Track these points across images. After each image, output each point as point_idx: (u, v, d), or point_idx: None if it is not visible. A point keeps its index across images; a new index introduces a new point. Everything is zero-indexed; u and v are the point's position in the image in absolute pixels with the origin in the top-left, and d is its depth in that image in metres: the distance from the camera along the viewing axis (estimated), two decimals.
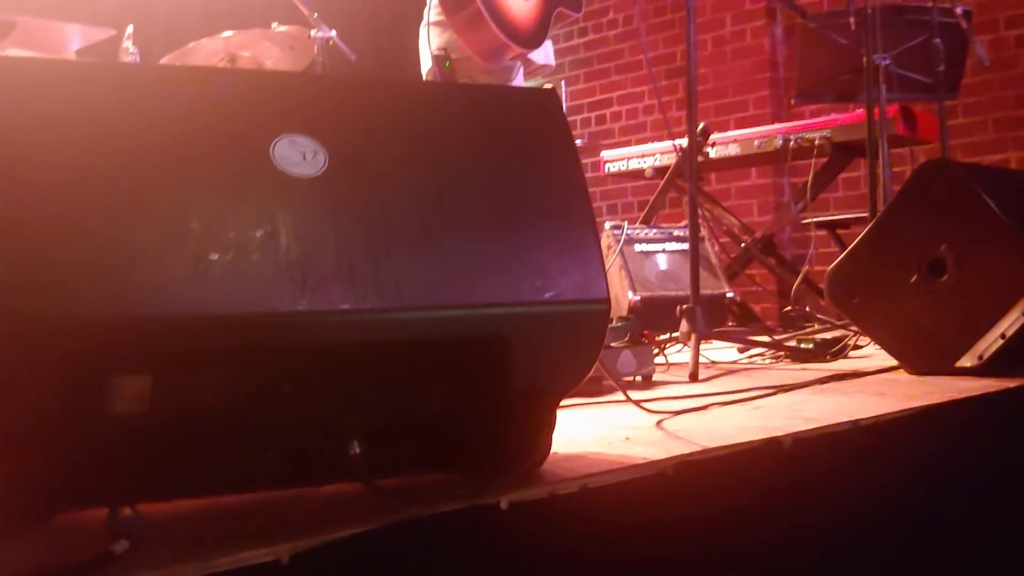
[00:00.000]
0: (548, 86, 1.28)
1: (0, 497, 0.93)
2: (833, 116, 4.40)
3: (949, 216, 2.22)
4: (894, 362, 2.33)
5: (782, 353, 2.81)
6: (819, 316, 3.63)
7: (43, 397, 0.90)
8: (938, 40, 3.55)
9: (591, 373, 1.24)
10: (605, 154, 5.18)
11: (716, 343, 3.04)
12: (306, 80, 1.33)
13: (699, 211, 2.82)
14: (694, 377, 2.31)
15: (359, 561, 0.95)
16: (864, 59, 3.41)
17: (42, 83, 0.95)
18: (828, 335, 3.02)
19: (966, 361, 2.15)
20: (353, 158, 1.06)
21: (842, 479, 1.53)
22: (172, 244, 0.93)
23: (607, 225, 4.01)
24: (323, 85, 1.20)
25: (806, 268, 4.07)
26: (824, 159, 4.44)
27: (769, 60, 6.03)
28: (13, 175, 0.90)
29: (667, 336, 2.96)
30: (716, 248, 4.24)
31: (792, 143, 4.42)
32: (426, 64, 3.16)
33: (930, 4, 3.61)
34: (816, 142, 4.34)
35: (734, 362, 2.78)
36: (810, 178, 4.42)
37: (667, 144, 4.76)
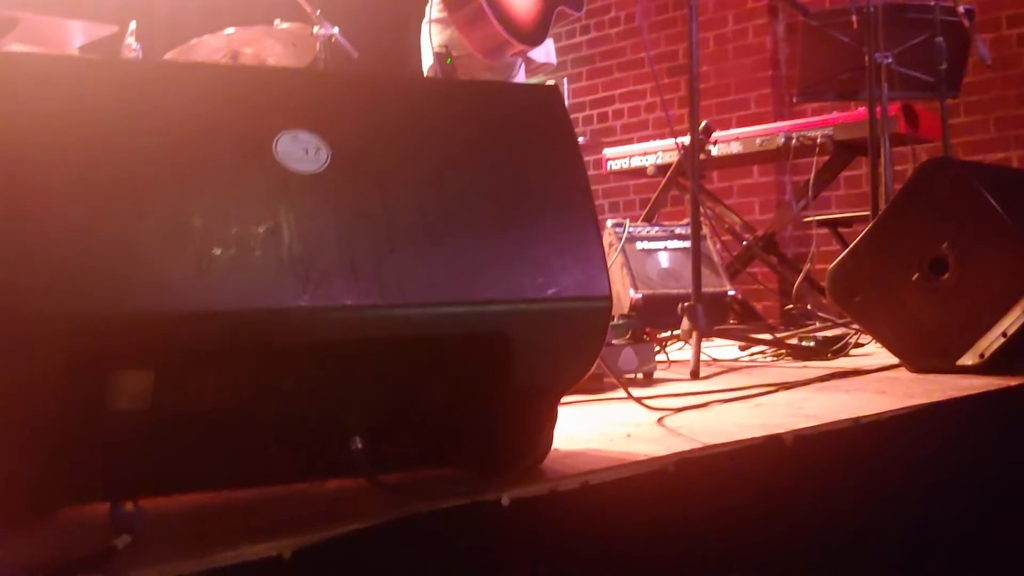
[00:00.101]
0: (550, 83, 1.28)
1: (3, 492, 0.93)
2: (835, 114, 4.40)
3: (951, 214, 2.22)
4: (895, 360, 2.33)
5: (783, 351, 2.81)
6: (820, 314, 3.63)
7: (46, 393, 0.91)
8: (940, 38, 3.54)
9: (593, 370, 1.24)
10: (607, 152, 5.18)
11: (717, 341, 3.04)
12: (308, 76, 1.33)
13: (701, 209, 2.82)
14: (695, 375, 2.31)
15: (361, 557, 0.96)
16: (866, 57, 3.41)
17: (44, 79, 0.95)
18: (829, 333, 3.02)
19: (967, 359, 2.15)
20: (355, 154, 1.06)
21: (843, 477, 1.53)
22: (174, 240, 0.93)
23: (609, 223, 4.02)
24: (325, 81, 1.20)
25: (807, 266, 4.07)
26: (826, 157, 4.43)
27: (771, 58, 6.03)
28: (15, 171, 0.90)
29: (668, 334, 2.96)
30: (718, 246, 4.24)
31: (794, 141, 4.42)
32: (427, 61, 3.16)
33: (932, 2, 3.60)
34: (818, 140, 4.34)
35: (735, 360, 2.78)
36: (812, 176, 4.43)
37: (669, 142, 4.76)
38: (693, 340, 2.45)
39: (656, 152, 4.91)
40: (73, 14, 3.26)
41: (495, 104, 1.22)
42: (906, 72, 3.58)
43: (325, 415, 1.08)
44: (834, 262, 2.40)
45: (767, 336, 3.05)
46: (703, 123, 4.02)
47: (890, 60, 3.44)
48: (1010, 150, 5.11)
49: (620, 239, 3.87)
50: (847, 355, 2.73)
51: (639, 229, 4.04)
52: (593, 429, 1.55)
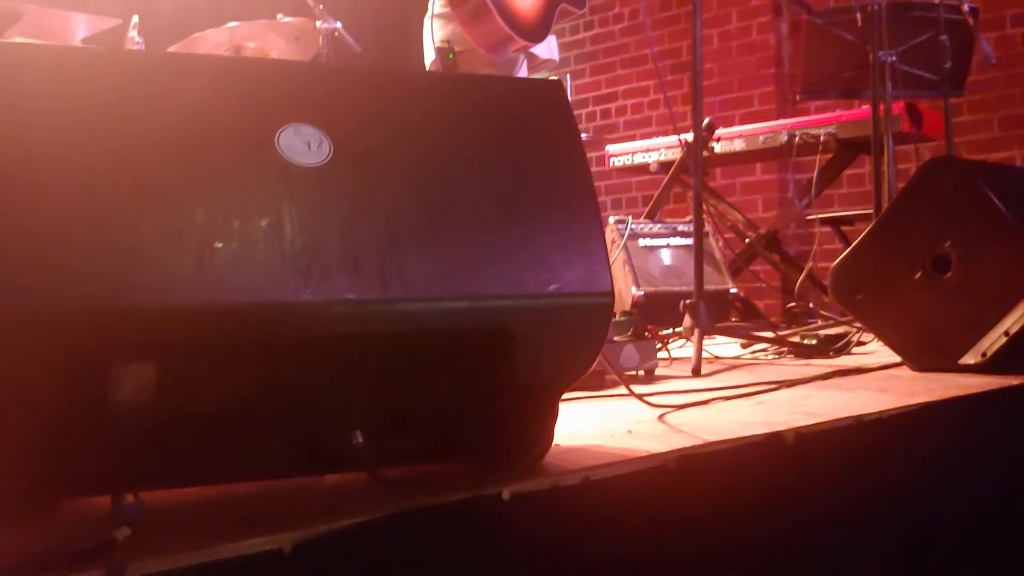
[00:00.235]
0: (553, 79, 1.28)
1: (4, 484, 0.93)
2: (838, 112, 4.39)
3: (954, 213, 2.22)
4: (897, 359, 2.33)
5: (785, 349, 2.81)
6: (822, 312, 3.63)
7: (48, 387, 0.90)
8: (944, 37, 3.53)
9: (594, 367, 1.24)
10: (610, 148, 5.17)
11: (719, 338, 3.03)
12: (311, 70, 1.33)
13: (703, 206, 2.82)
14: (697, 372, 2.31)
15: (362, 551, 0.96)
16: (870, 55, 3.40)
17: (47, 71, 0.95)
18: (831, 331, 3.02)
19: (969, 358, 2.15)
20: (358, 148, 1.06)
21: (844, 475, 1.53)
22: (176, 233, 0.93)
23: (611, 220, 4.01)
24: (328, 75, 1.19)
25: (810, 264, 4.07)
26: (829, 155, 4.43)
27: (775, 56, 6.02)
28: (15, 163, 0.90)
29: (670, 331, 2.96)
30: (720, 244, 4.24)
31: (797, 139, 4.41)
32: (430, 56, 3.15)
33: (936, 1, 3.60)
34: (821, 138, 4.33)
35: (737, 357, 2.78)
36: (815, 174, 4.42)
37: (672, 139, 4.76)
38: (695, 337, 2.45)
39: (659, 149, 4.91)
40: (76, 7, 3.26)
41: (498, 99, 1.22)
42: (910, 70, 3.57)
43: (326, 409, 1.08)
44: (836, 260, 2.40)
45: (769, 334, 3.05)
46: (706, 120, 4.02)
47: (894, 58, 3.43)
48: (1014, 149, 5.10)
49: (622, 236, 3.86)
50: (849, 353, 2.73)
51: (641, 226, 4.03)
52: (594, 425, 1.55)
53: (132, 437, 0.98)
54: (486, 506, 1.06)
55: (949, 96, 3.65)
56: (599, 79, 6.82)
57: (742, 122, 5.27)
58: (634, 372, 2.20)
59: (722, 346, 2.99)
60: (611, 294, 1.15)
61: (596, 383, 1.99)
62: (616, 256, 3.81)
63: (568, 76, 6.19)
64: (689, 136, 2.86)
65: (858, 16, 3.46)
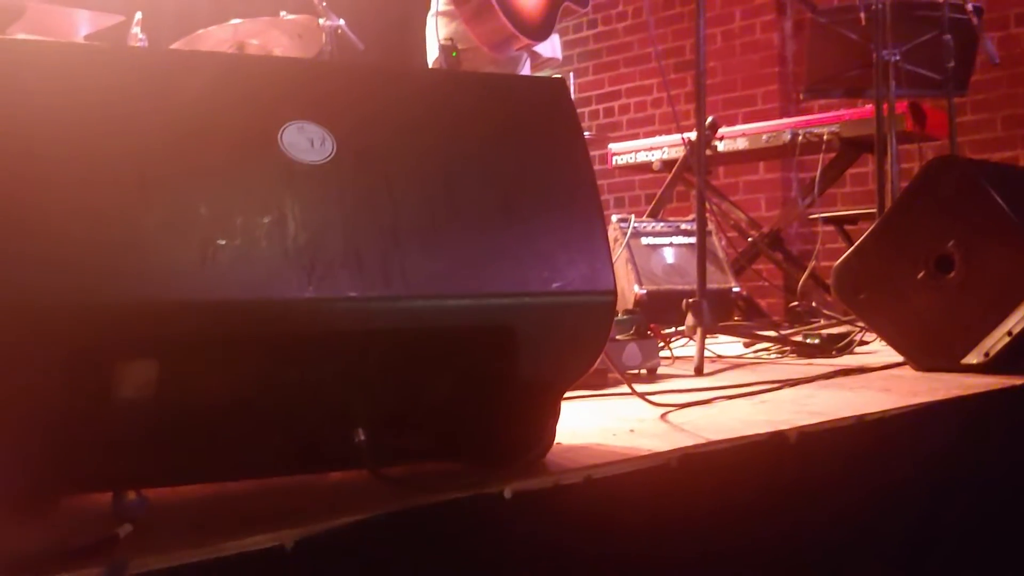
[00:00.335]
0: (557, 77, 1.28)
1: (6, 480, 0.93)
2: (842, 111, 4.39)
3: (957, 213, 2.21)
4: (900, 358, 2.33)
5: (788, 348, 2.80)
6: (825, 311, 3.63)
7: (50, 383, 0.90)
8: (948, 36, 3.53)
9: (596, 365, 1.24)
10: (613, 147, 5.17)
11: (722, 337, 3.03)
12: (315, 67, 1.33)
13: (706, 205, 2.82)
14: (699, 371, 2.30)
15: (363, 548, 0.96)
16: (873, 54, 3.39)
17: (50, 66, 0.95)
18: (834, 330, 3.01)
19: (972, 358, 2.15)
20: (361, 146, 1.06)
21: (846, 474, 1.53)
22: (179, 230, 0.93)
23: (614, 218, 4.01)
24: (332, 73, 1.19)
25: (813, 263, 4.06)
26: (832, 154, 4.42)
27: (778, 54, 6.01)
28: (18, 160, 0.90)
29: (672, 330, 2.96)
30: (723, 242, 4.24)
31: (800, 138, 4.41)
32: (433, 54, 3.15)
33: (940, 0, 3.59)
34: (824, 137, 4.33)
35: (739, 356, 2.78)
36: (818, 173, 4.41)
37: (675, 137, 4.75)
38: (697, 336, 2.45)
39: (662, 147, 4.90)
40: (79, 3, 3.26)
41: (501, 97, 1.22)
42: (913, 70, 3.57)
43: (328, 407, 1.08)
44: (839, 259, 2.40)
45: (772, 333, 3.05)
46: (709, 119, 4.02)
47: (898, 57, 3.43)
48: (1017, 149, 5.10)
49: (625, 234, 3.86)
50: (852, 353, 2.73)
51: (644, 224, 4.03)
52: (596, 424, 1.55)
53: (134, 434, 0.98)
54: (488, 505, 1.06)
55: (953, 95, 3.65)
56: (602, 77, 6.82)
57: (745, 121, 5.27)
58: (636, 371, 2.20)
59: (724, 345, 2.99)
60: (614, 292, 1.15)
61: (598, 382, 1.98)
62: (619, 254, 3.81)
63: (571, 74, 6.18)
64: (692, 135, 2.86)
65: (862, 15, 3.45)
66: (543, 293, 1.10)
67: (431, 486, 1.05)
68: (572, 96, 1.36)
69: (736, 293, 4.04)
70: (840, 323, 3.21)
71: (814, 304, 3.76)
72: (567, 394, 1.24)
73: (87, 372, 0.92)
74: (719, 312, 3.43)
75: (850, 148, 4.38)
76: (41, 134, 0.91)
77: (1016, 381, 1.97)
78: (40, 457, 0.94)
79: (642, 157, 4.99)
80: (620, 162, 5.10)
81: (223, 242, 0.94)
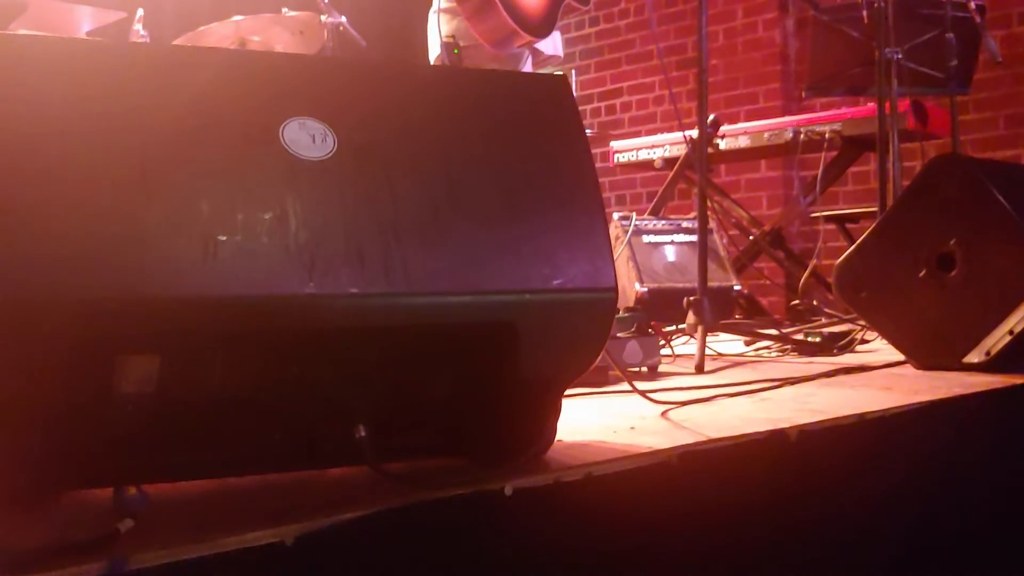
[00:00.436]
0: (558, 74, 1.27)
1: (7, 475, 0.93)
2: (844, 110, 4.38)
3: (959, 211, 2.21)
4: (901, 357, 2.33)
5: (789, 346, 2.80)
6: (826, 310, 3.62)
7: (51, 377, 0.91)
8: (951, 34, 3.52)
9: (597, 363, 1.24)
10: (614, 144, 5.17)
11: (723, 336, 3.03)
12: (316, 64, 1.32)
13: (708, 203, 2.82)
14: (700, 369, 2.30)
15: (363, 544, 0.96)
16: (876, 52, 3.39)
17: (52, 62, 0.95)
18: (835, 329, 3.01)
19: (973, 357, 2.15)
20: (363, 142, 1.06)
21: (847, 472, 1.53)
22: (181, 225, 0.93)
23: (615, 216, 4.01)
24: (333, 69, 1.19)
25: (814, 262, 4.06)
26: (834, 152, 4.42)
27: (780, 52, 6.01)
28: (21, 155, 0.90)
29: (674, 328, 2.96)
30: (724, 240, 4.23)
31: (802, 136, 4.40)
32: (434, 50, 3.15)
33: None
34: (826, 135, 4.32)
35: (740, 354, 2.78)
36: (820, 171, 4.40)
37: (677, 135, 4.75)
38: (698, 334, 2.45)
39: (664, 145, 4.90)
40: None
41: (503, 94, 1.22)
42: (916, 68, 3.56)
43: (330, 403, 1.08)
44: (841, 258, 2.39)
45: (773, 331, 3.05)
46: (711, 117, 4.01)
47: (900, 56, 3.42)
48: (1020, 147, 5.09)
49: (627, 232, 3.86)
50: (853, 351, 2.73)
51: (646, 222, 4.03)
52: (597, 421, 1.55)
53: (135, 429, 0.98)
54: (488, 501, 1.06)
55: (955, 94, 3.64)
56: (604, 75, 6.81)
57: (747, 119, 5.26)
58: (637, 368, 2.20)
59: (725, 343, 2.99)
60: (615, 290, 1.15)
61: (599, 379, 1.98)
62: (620, 252, 3.81)
63: (573, 72, 6.18)
64: (694, 132, 2.85)
65: (864, 13, 3.45)
66: (544, 290, 1.10)
67: (432, 482, 1.05)
68: (574, 93, 1.36)
69: (737, 291, 4.04)
70: (841, 321, 3.21)
71: (815, 302, 3.76)
72: (568, 391, 1.24)
73: (88, 367, 0.92)
74: (720, 310, 3.42)
75: (852, 146, 4.37)
76: (42, 129, 0.91)
77: (1017, 380, 1.96)
78: (41, 452, 0.94)
79: (644, 155, 4.98)
80: (622, 160, 5.10)
81: (224, 238, 0.94)
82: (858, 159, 4.52)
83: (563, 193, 1.16)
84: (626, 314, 2.24)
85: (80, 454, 0.97)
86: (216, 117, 1.00)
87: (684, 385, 1.98)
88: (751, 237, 4.66)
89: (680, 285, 3.77)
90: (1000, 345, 2.11)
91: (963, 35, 3.63)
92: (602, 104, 6.83)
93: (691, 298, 2.56)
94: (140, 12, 3.26)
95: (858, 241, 2.39)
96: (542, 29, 3.10)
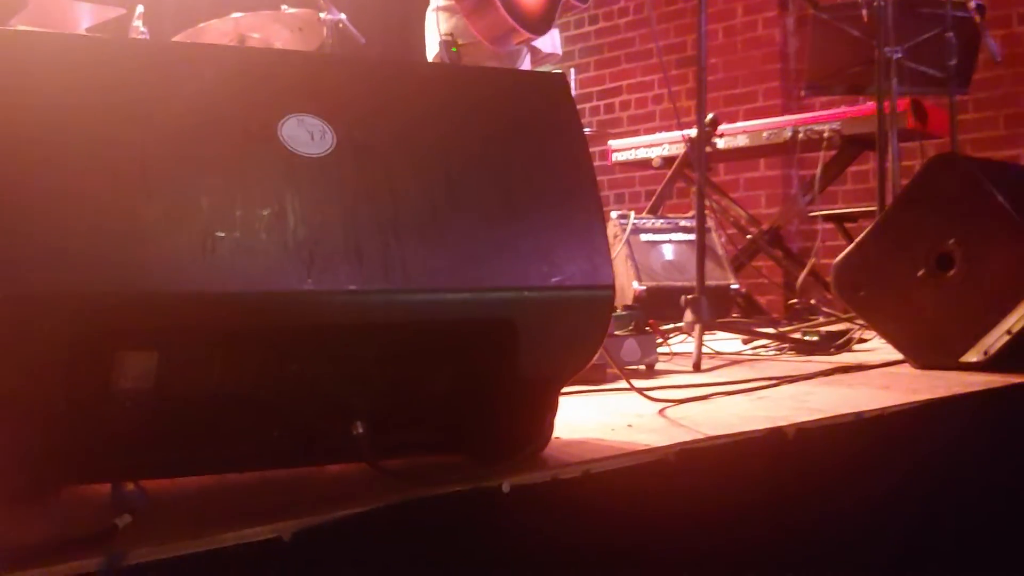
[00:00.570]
0: (557, 72, 1.28)
1: (6, 471, 0.93)
2: (843, 109, 4.38)
3: (958, 211, 2.21)
4: (899, 356, 2.33)
5: (786, 345, 2.80)
6: (824, 309, 3.63)
7: (50, 373, 0.91)
8: (950, 34, 3.52)
9: (595, 360, 1.24)
10: (613, 143, 5.17)
11: (720, 334, 3.03)
12: (315, 60, 1.32)
13: (706, 202, 2.82)
14: (697, 367, 2.31)
15: (361, 540, 0.96)
16: (876, 52, 3.39)
17: (51, 57, 0.95)
18: (833, 328, 3.02)
19: (971, 356, 2.15)
20: (361, 139, 1.06)
21: (845, 471, 1.53)
22: (179, 221, 0.93)
23: (614, 214, 4.01)
24: (332, 66, 1.19)
25: (812, 261, 4.06)
26: (833, 152, 4.42)
27: (780, 51, 6.01)
28: (21, 150, 0.90)
29: (671, 326, 2.96)
30: (723, 239, 4.24)
31: (801, 135, 4.40)
32: (433, 48, 3.15)
33: None
34: (825, 134, 4.32)
35: (738, 353, 2.78)
36: (819, 170, 4.41)
37: (676, 134, 4.75)
38: (696, 332, 2.45)
39: (662, 144, 4.90)
40: None
41: (502, 92, 1.22)
42: (915, 67, 3.57)
43: (328, 399, 1.08)
44: (839, 257, 2.40)
45: (770, 330, 3.05)
46: (710, 115, 4.01)
47: (900, 55, 3.43)
48: (1019, 147, 5.09)
49: (625, 230, 3.86)
50: (851, 350, 2.73)
51: (644, 221, 4.03)
52: (595, 419, 1.55)
53: (133, 425, 0.98)
54: (486, 498, 1.06)
55: (954, 93, 3.64)
56: (603, 73, 6.81)
57: (746, 117, 5.27)
58: (635, 366, 2.20)
59: (723, 341, 2.99)
60: (612, 288, 1.15)
61: (597, 377, 1.99)
62: (618, 250, 3.81)
63: (572, 70, 6.17)
64: (693, 131, 2.85)
65: (864, 12, 3.45)
66: (542, 288, 1.10)
67: (429, 479, 1.06)
68: (573, 92, 1.36)
69: (735, 290, 4.04)
70: (839, 320, 3.21)
71: (813, 301, 3.76)
72: (566, 389, 1.24)
73: (87, 363, 0.92)
74: (718, 309, 3.43)
75: (851, 145, 4.38)
76: (42, 125, 0.91)
77: (1016, 379, 1.97)
78: (40, 448, 0.94)
79: (642, 154, 4.99)
80: (620, 158, 5.10)
81: (223, 234, 0.94)
82: (857, 158, 4.53)
83: (561, 191, 1.16)
84: (624, 312, 2.24)
85: (78, 450, 0.97)
86: (215, 113, 1.00)
87: (682, 383, 1.99)
88: (749, 236, 4.67)
89: (678, 283, 3.78)
90: (999, 344, 2.11)
91: (963, 35, 3.63)
92: (601, 103, 6.83)
93: (689, 296, 2.56)
94: (140, 8, 3.25)
95: (857, 240, 2.40)
96: (541, 26, 3.11)
